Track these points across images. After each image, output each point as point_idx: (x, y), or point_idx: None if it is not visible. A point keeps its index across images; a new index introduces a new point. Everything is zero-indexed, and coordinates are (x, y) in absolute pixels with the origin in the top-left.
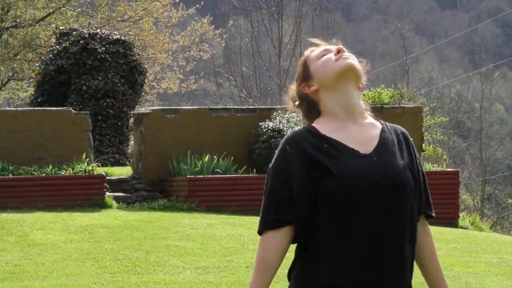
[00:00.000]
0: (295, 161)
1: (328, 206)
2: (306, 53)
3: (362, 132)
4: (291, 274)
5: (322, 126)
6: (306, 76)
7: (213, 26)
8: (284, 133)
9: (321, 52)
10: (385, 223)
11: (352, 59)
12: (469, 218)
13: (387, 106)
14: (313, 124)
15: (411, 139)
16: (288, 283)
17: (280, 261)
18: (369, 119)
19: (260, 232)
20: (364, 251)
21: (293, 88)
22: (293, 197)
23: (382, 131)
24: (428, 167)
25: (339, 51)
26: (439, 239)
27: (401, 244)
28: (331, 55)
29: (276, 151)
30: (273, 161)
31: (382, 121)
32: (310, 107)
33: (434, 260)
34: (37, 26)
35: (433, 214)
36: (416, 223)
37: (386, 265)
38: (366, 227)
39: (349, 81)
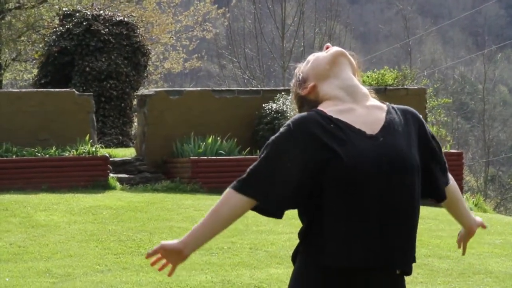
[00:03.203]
0: (295, 141)
1: (335, 188)
2: (295, 70)
3: (367, 114)
4: (296, 257)
5: (328, 109)
6: (301, 82)
7: (216, 6)
8: (287, 114)
9: (309, 58)
10: (391, 203)
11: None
12: (473, 200)
13: (390, 87)
14: (319, 108)
15: (423, 120)
16: (293, 266)
17: (231, 222)
18: (374, 101)
19: (233, 188)
20: (371, 232)
21: None
22: (283, 175)
23: (388, 112)
24: None
25: (327, 47)
26: (442, 220)
27: (407, 224)
28: (320, 52)
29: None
30: (276, 134)
31: (388, 103)
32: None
33: (463, 204)
34: (40, 8)
35: (451, 182)
36: (419, 202)
37: (392, 246)
38: (372, 208)
39: (344, 66)
